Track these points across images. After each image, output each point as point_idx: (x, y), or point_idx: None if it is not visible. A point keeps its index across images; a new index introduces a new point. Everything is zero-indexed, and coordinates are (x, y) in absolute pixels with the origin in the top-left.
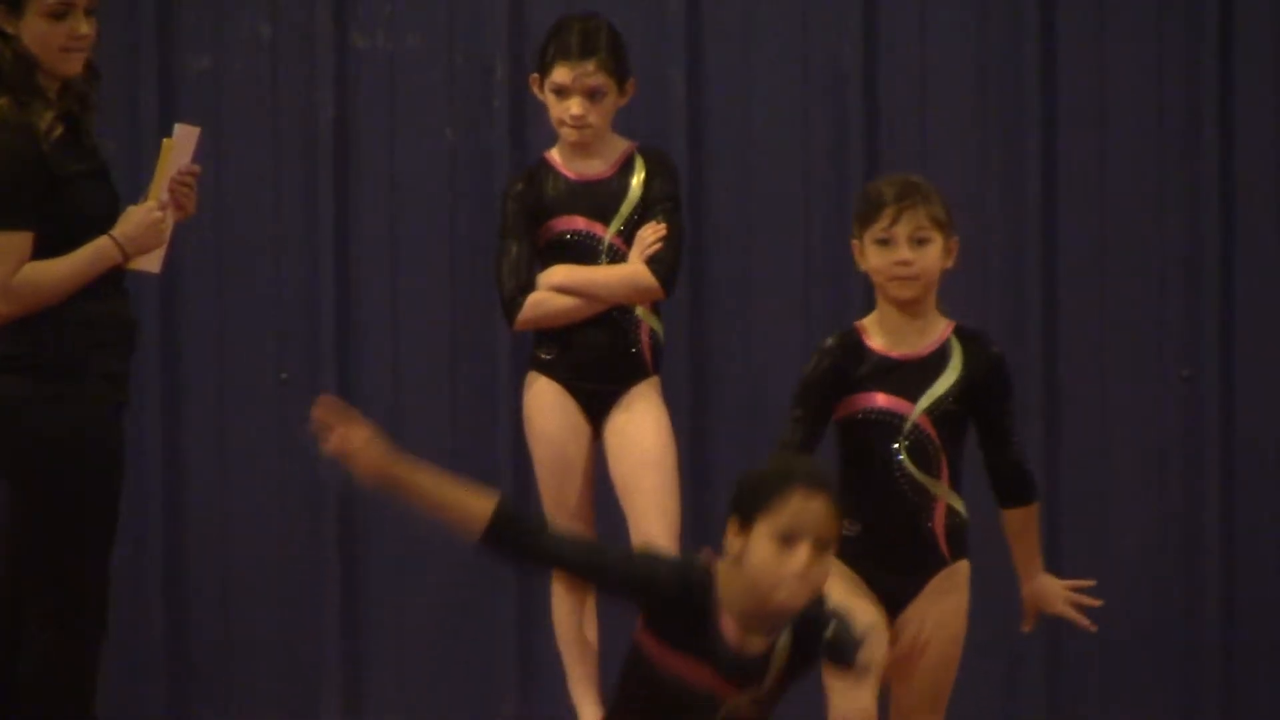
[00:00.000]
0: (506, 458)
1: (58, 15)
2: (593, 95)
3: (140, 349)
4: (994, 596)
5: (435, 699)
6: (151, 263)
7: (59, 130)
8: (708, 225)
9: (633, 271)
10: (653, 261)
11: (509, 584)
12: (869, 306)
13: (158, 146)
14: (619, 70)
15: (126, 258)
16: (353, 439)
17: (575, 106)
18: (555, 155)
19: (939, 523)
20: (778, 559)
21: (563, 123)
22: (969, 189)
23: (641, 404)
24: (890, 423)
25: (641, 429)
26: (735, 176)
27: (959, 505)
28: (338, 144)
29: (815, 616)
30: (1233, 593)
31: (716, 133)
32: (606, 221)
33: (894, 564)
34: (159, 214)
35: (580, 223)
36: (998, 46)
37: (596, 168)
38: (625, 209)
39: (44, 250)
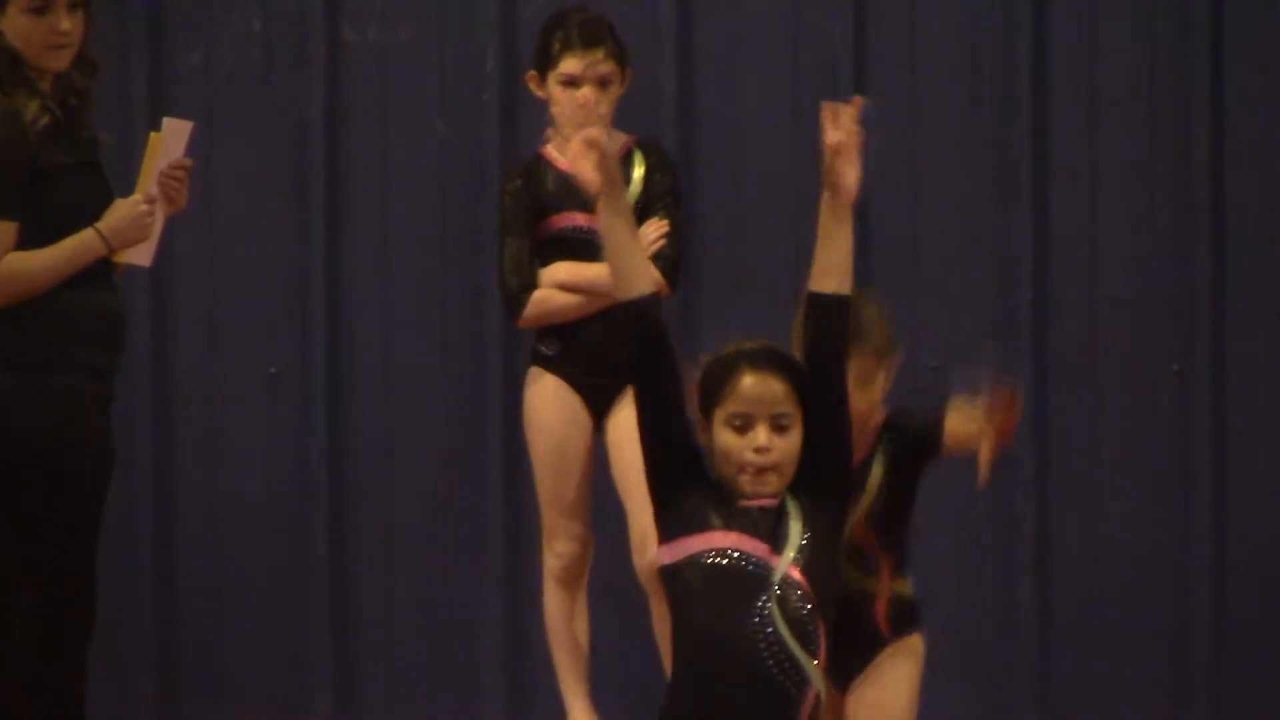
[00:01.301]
0: (497, 450)
1: (38, 11)
2: (604, 84)
3: (129, 343)
4: (986, 585)
5: (424, 694)
6: (142, 256)
7: (45, 120)
8: (698, 218)
9: None
10: (657, 259)
11: (497, 581)
12: None
13: (147, 141)
14: (623, 58)
15: (111, 250)
16: (606, 169)
17: (587, 96)
18: (553, 151)
19: (881, 614)
20: (738, 445)
21: (573, 116)
22: (959, 180)
23: None
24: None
25: None
26: (726, 169)
27: (905, 588)
28: (329, 137)
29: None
30: (1223, 588)
31: (707, 125)
32: None
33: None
34: (145, 207)
35: (580, 219)
36: (989, 35)
37: None
38: None
39: (32, 242)
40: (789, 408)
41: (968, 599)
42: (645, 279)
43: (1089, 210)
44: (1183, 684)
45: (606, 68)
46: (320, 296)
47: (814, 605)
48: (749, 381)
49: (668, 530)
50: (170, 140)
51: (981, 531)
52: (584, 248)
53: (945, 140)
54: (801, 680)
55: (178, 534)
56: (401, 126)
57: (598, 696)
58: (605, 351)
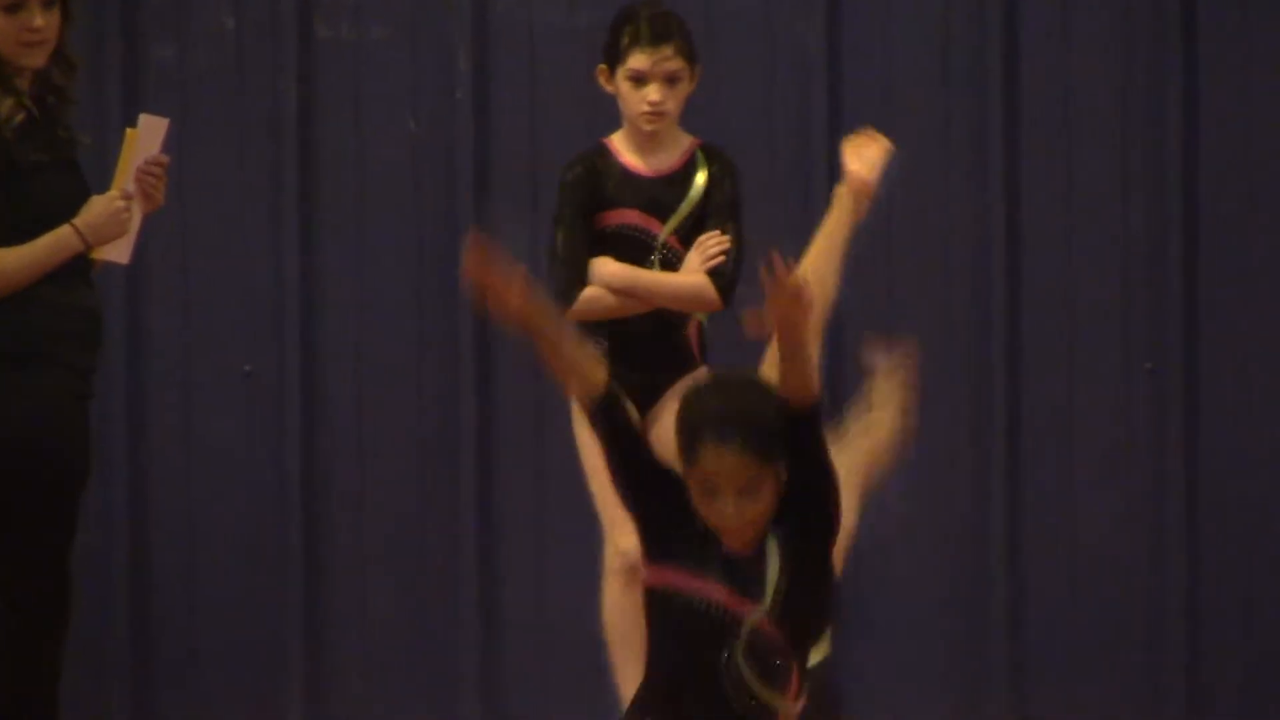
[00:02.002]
0: (471, 446)
1: (9, 9)
2: (672, 81)
3: (104, 342)
4: (960, 583)
5: (398, 693)
6: (120, 253)
7: (19, 117)
8: None
9: (696, 286)
10: (715, 274)
11: (473, 578)
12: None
13: (122, 137)
14: (693, 55)
15: (88, 246)
16: (507, 292)
17: (654, 93)
18: (618, 144)
19: None
20: (710, 508)
21: (640, 113)
22: (933, 180)
23: None
24: None
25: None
26: None
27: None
28: (302, 135)
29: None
30: (1197, 586)
31: (681, 125)
32: (663, 219)
33: None
34: (121, 203)
35: (635, 217)
36: (961, 35)
37: (660, 162)
38: (685, 208)
39: (9, 241)
40: (754, 472)
41: (940, 596)
42: (591, 374)
43: (1063, 207)
44: (1157, 682)
45: (675, 65)
46: (295, 294)
47: (785, 651)
48: (710, 456)
49: (650, 551)
50: (146, 137)
51: (954, 529)
52: (635, 247)
53: (919, 136)
54: (767, 714)
55: (152, 532)
56: (374, 124)
57: (601, 690)
58: (650, 347)
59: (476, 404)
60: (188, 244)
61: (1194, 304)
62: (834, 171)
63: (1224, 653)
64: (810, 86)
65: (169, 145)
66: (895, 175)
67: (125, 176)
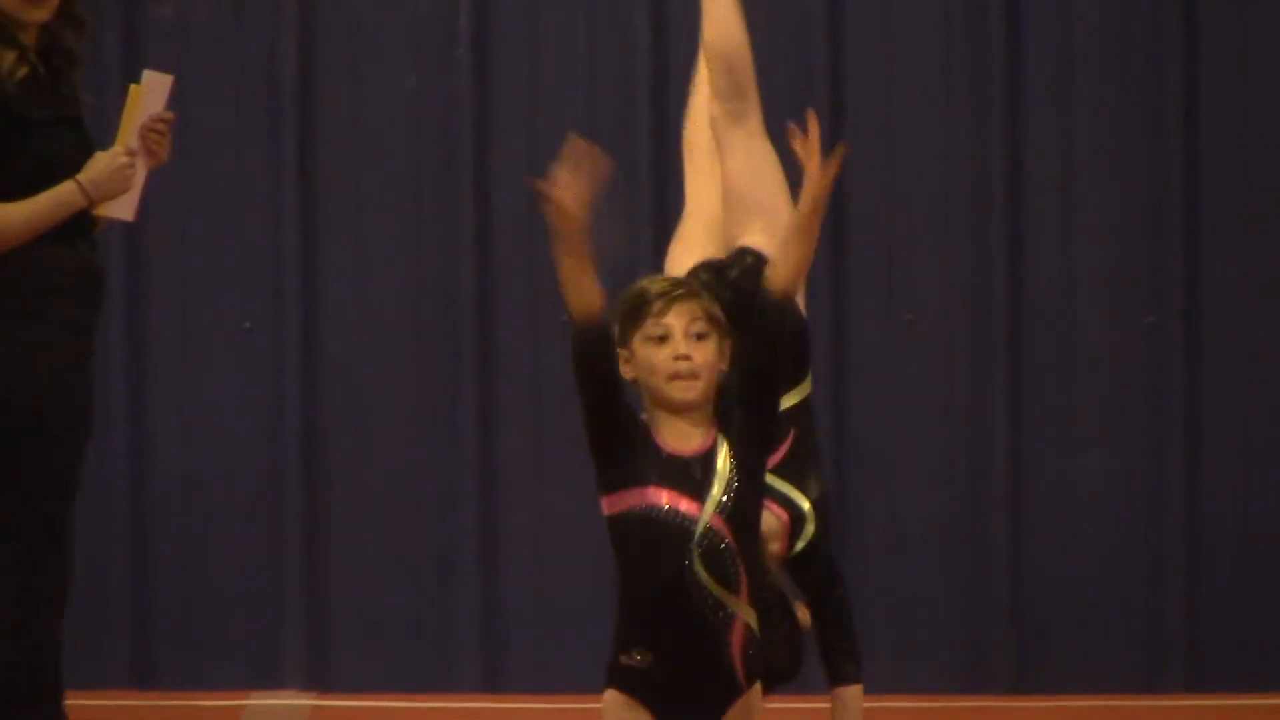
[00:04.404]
0: (471, 403)
1: None
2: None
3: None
4: (958, 560)
5: (398, 647)
6: (125, 210)
7: (22, 71)
8: (671, 176)
9: None
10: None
11: (471, 532)
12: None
13: (122, 94)
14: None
15: (92, 203)
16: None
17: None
18: None
19: (737, 650)
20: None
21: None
22: (933, 137)
23: None
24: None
25: None
26: None
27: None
28: (301, 92)
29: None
30: (1197, 540)
31: (680, 82)
32: None
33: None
34: (125, 159)
35: None
36: None
37: None
38: None
39: (11, 197)
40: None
41: (941, 553)
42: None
43: (1063, 165)
44: (1157, 633)
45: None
46: (294, 250)
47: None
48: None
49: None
50: (150, 93)
51: (954, 489)
52: None
53: (920, 98)
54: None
55: (152, 491)
56: (373, 81)
57: (577, 662)
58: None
59: (476, 358)
60: (187, 201)
61: (1193, 258)
62: (838, 114)
63: (1224, 605)
64: (812, 43)
65: (172, 102)
66: (896, 132)
67: (129, 133)
